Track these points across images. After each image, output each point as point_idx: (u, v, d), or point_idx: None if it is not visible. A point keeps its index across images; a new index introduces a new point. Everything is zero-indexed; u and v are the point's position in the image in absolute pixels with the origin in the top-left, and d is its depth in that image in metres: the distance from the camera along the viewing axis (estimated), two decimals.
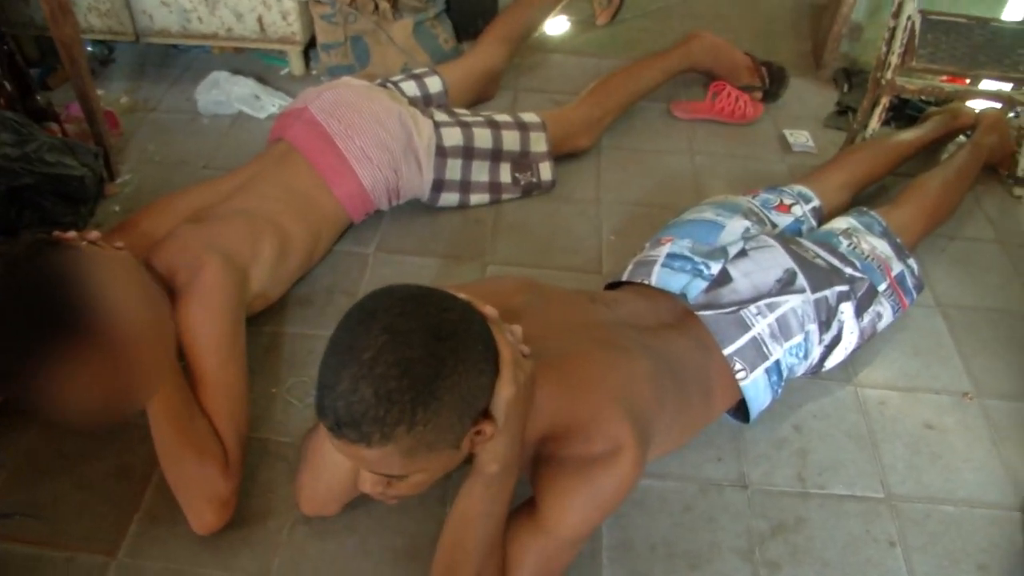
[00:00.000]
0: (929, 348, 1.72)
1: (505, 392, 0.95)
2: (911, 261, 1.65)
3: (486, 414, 0.96)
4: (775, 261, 1.45)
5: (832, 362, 1.54)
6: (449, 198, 1.91)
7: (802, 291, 1.43)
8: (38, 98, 2.01)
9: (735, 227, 1.55)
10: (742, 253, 1.47)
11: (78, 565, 1.28)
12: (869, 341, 1.61)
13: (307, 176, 1.70)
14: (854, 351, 1.57)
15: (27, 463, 1.41)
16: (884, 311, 1.58)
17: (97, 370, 1.20)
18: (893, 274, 1.59)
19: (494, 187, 1.96)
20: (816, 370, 1.54)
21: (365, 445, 0.87)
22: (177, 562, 1.28)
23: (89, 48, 2.38)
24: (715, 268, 1.44)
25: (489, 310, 0.99)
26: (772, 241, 1.50)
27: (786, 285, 1.43)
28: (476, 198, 1.95)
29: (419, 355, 0.86)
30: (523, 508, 1.14)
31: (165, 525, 1.32)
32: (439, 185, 1.88)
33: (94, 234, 1.30)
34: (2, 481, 1.38)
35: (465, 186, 1.92)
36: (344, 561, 1.30)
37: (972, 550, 1.38)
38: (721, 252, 1.47)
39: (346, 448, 0.89)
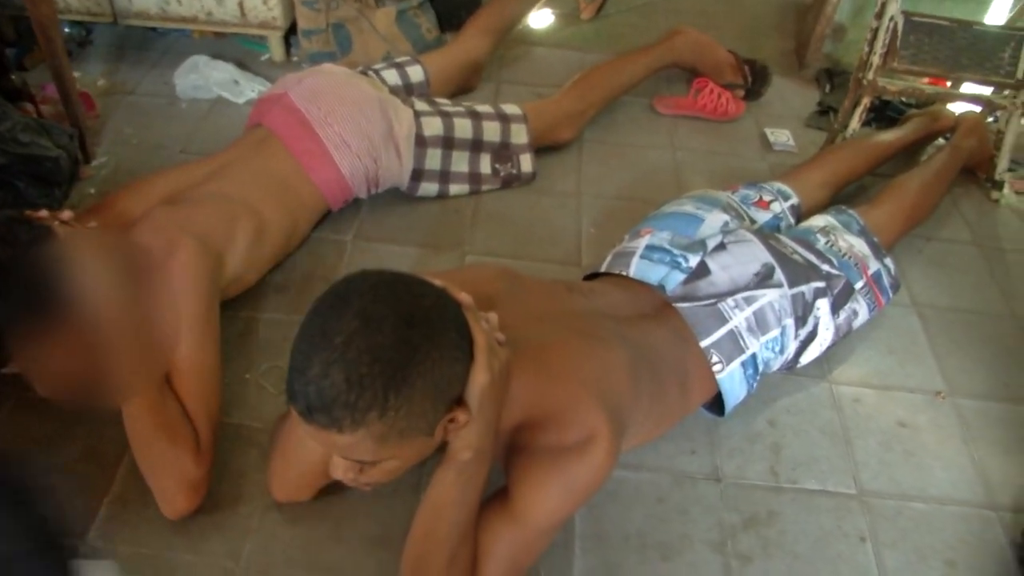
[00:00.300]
0: (904, 347, 1.73)
1: (479, 379, 0.95)
2: (888, 260, 1.66)
3: (460, 402, 0.95)
4: (753, 255, 1.46)
5: (807, 358, 1.55)
6: (428, 188, 1.90)
7: (780, 285, 1.44)
8: (13, 78, 1.98)
9: (714, 221, 1.55)
10: (721, 246, 1.47)
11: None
12: (844, 338, 1.62)
13: (285, 162, 1.68)
14: (829, 347, 1.58)
15: None
16: (860, 309, 1.59)
17: (70, 349, 1.19)
18: (870, 272, 1.60)
19: (474, 178, 1.95)
20: (791, 365, 1.55)
21: (336, 431, 0.86)
22: (147, 546, 1.27)
23: (67, 30, 2.35)
24: (693, 261, 1.44)
25: (464, 297, 0.98)
26: (751, 236, 1.50)
27: (764, 279, 1.43)
28: (456, 188, 1.94)
29: (391, 341, 0.85)
30: (496, 497, 1.14)
31: (135, 509, 1.31)
32: (418, 175, 1.87)
33: (67, 214, 1.29)
34: None
35: (445, 176, 1.91)
36: (316, 547, 1.29)
37: (941, 547, 1.39)
38: (700, 245, 1.47)
39: (317, 434, 0.88)
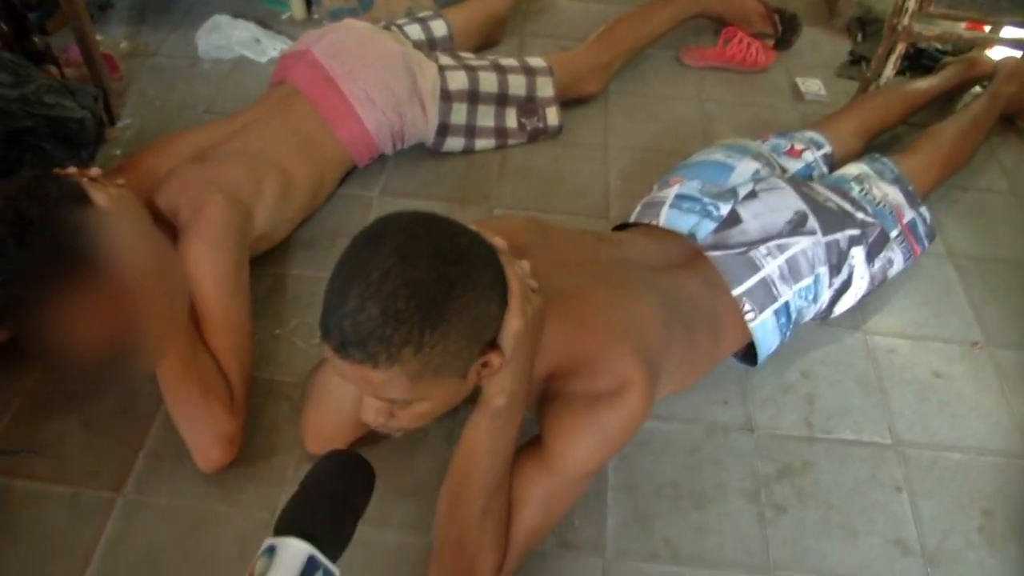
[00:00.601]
0: (939, 297, 1.70)
1: (514, 324, 0.94)
2: (923, 209, 1.62)
3: (494, 345, 0.94)
4: (785, 203, 1.43)
5: (841, 308, 1.52)
6: (454, 143, 1.88)
7: (813, 233, 1.41)
8: (35, 40, 1.97)
9: (745, 169, 1.52)
10: (752, 194, 1.44)
11: (84, 500, 1.28)
12: (879, 288, 1.59)
13: (310, 119, 1.67)
14: (864, 297, 1.55)
15: (30, 403, 1.41)
16: (895, 257, 1.56)
17: (98, 305, 1.19)
18: (905, 221, 1.57)
19: (500, 132, 1.93)
20: (825, 315, 1.53)
21: (371, 366, 0.85)
22: (183, 498, 1.28)
23: None
24: (724, 209, 1.42)
25: (498, 241, 0.97)
26: (783, 183, 1.47)
27: (796, 226, 1.41)
28: (481, 143, 1.92)
29: (429, 277, 0.84)
30: (530, 445, 1.14)
31: (170, 462, 1.32)
32: (444, 130, 1.85)
33: (95, 171, 1.28)
34: (7, 420, 1.38)
35: (470, 131, 1.89)
36: None
37: (978, 496, 1.37)
38: (731, 193, 1.45)
39: (351, 370, 0.87)
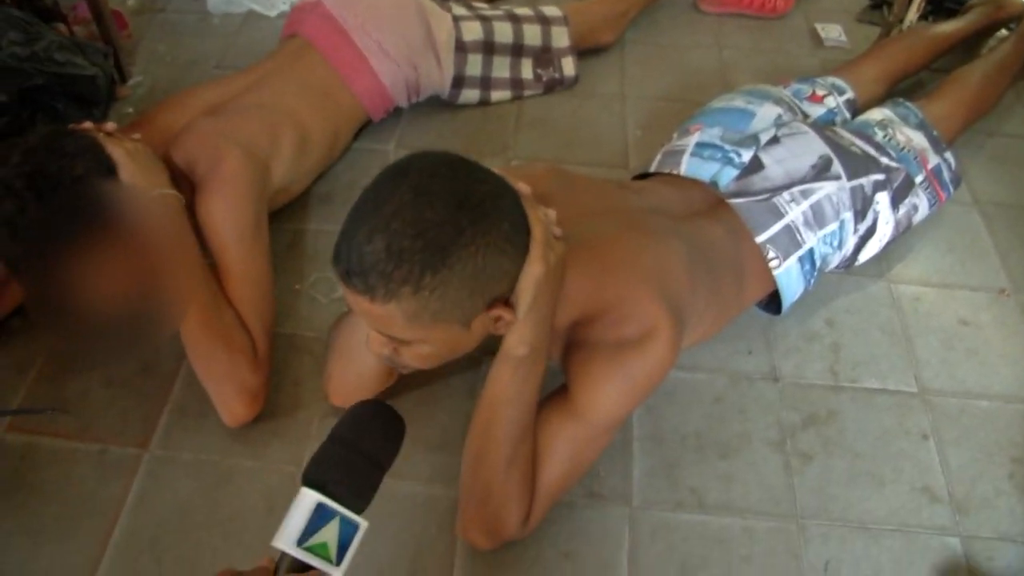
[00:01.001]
0: (965, 245, 1.68)
1: (535, 271, 0.92)
2: (948, 154, 1.59)
3: (507, 302, 0.93)
4: (809, 147, 1.40)
5: (866, 255, 1.50)
6: (470, 95, 1.86)
7: (837, 178, 1.38)
8: None
9: (767, 114, 1.49)
10: (774, 140, 1.41)
11: (111, 457, 1.28)
12: (903, 235, 1.56)
13: (323, 71, 1.64)
14: (888, 244, 1.53)
15: (53, 362, 1.41)
16: (920, 203, 1.53)
17: (117, 261, 1.18)
18: (930, 166, 1.54)
19: (515, 83, 1.90)
20: (849, 263, 1.50)
21: (369, 298, 0.85)
22: (209, 453, 1.29)
23: None
24: (746, 156, 1.39)
25: (523, 187, 0.95)
26: (806, 128, 1.44)
27: (821, 171, 1.38)
28: (497, 95, 1.89)
29: (439, 219, 0.83)
30: (555, 395, 1.13)
31: (195, 418, 1.32)
32: (459, 81, 1.82)
33: (110, 125, 1.27)
34: (30, 380, 1.38)
35: (486, 82, 1.86)
36: None
37: (1006, 444, 1.36)
38: (752, 139, 1.42)
39: (352, 299, 0.88)
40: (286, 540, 0.69)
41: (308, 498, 0.71)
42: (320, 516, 0.71)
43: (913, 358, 1.48)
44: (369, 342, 0.99)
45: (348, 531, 0.72)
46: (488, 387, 1.06)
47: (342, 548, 0.72)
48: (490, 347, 1.03)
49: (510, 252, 0.90)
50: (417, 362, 0.99)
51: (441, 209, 0.83)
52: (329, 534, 0.71)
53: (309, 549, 0.70)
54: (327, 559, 0.71)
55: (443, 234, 0.83)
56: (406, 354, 0.97)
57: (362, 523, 0.74)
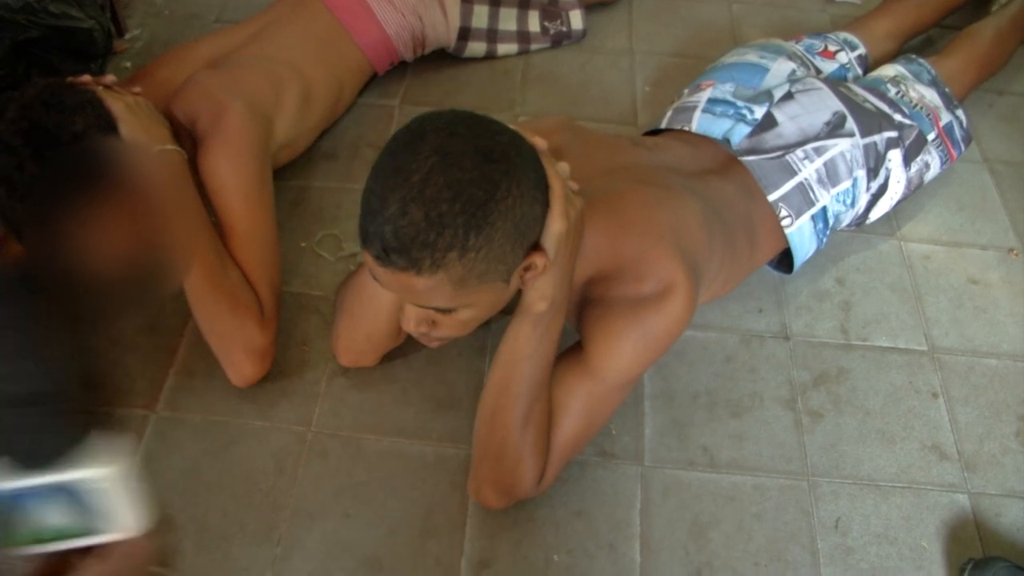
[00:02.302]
0: (975, 203, 1.67)
1: (555, 227, 0.90)
2: (960, 112, 1.57)
3: (537, 247, 0.91)
4: (823, 103, 1.38)
5: (877, 213, 1.49)
6: (476, 48, 1.82)
7: (852, 135, 1.36)
8: None
9: (780, 69, 1.46)
10: (788, 96, 1.39)
11: (117, 418, 1.27)
12: (914, 193, 1.55)
13: (326, 22, 1.60)
14: (899, 202, 1.51)
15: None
16: (932, 161, 1.51)
17: (118, 218, 1.15)
18: (942, 124, 1.52)
19: (522, 36, 1.86)
20: (861, 221, 1.49)
21: (414, 272, 0.82)
22: (217, 413, 1.28)
23: None
24: (759, 112, 1.37)
25: (538, 141, 0.93)
26: (820, 83, 1.42)
27: (835, 128, 1.36)
28: (504, 48, 1.86)
29: (472, 177, 0.80)
30: (570, 353, 1.12)
31: (202, 378, 1.31)
32: (465, 33, 1.78)
33: (110, 78, 1.24)
34: None
35: (492, 35, 1.82)
36: (385, 411, 1.29)
37: (1014, 402, 1.37)
38: (766, 95, 1.40)
39: (393, 278, 0.84)
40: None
41: None
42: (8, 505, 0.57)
43: (923, 316, 1.47)
44: (404, 320, 0.96)
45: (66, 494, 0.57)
46: (505, 344, 1.05)
47: (88, 511, 0.57)
48: (508, 306, 1.01)
49: (540, 199, 0.88)
50: (456, 330, 0.97)
51: (471, 167, 0.81)
52: (46, 513, 0.57)
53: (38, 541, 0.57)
54: (78, 534, 0.58)
55: (480, 190, 0.80)
56: (445, 324, 0.95)
57: (76, 475, 0.57)
